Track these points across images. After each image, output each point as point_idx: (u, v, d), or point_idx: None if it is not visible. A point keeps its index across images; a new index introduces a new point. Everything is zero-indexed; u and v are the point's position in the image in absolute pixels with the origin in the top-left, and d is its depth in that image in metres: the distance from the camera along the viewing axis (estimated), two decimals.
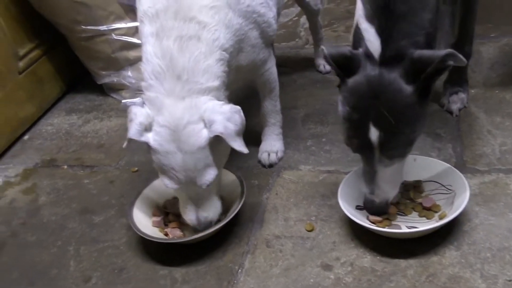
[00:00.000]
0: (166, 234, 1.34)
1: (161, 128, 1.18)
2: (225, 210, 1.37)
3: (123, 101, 1.22)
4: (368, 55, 1.09)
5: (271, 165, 1.58)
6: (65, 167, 1.77)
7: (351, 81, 1.11)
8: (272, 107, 1.59)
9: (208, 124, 1.17)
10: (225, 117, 1.17)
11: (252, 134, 1.70)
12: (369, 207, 1.23)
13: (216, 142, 1.19)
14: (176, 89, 1.18)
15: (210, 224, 1.28)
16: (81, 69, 2.20)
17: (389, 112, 1.07)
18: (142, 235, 1.30)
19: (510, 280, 1.08)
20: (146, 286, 1.26)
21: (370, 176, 1.18)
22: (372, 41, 1.08)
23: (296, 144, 1.66)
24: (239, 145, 1.19)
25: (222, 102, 1.21)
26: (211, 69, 1.21)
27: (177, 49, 1.20)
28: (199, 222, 1.27)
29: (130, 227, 1.35)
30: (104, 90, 2.17)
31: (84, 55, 2.11)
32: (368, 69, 1.09)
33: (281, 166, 1.58)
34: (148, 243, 1.36)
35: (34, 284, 1.32)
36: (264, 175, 1.55)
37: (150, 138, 1.19)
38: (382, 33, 1.07)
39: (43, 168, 1.79)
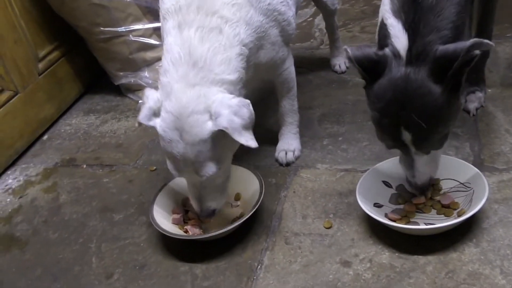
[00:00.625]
0: (186, 232, 1.36)
1: (166, 114, 1.19)
2: (244, 208, 1.39)
3: (140, 101, 1.24)
4: (395, 53, 1.07)
5: (288, 164, 1.59)
6: (84, 166, 1.80)
7: (377, 85, 1.09)
8: (290, 106, 1.60)
9: (214, 117, 1.16)
10: (232, 111, 1.16)
11: (269, 134, 1.73)
12: (412, 187, 1.22)
13: (222, 135, 1.18)
14: (190, 75, 1.18)
15: (213, 213, 1.29)
16: (99, 70, 2.23)
17: (420, 117, 1.05)
18: (162, 231, 1.32)
19: None
20: (168, 283, 1.28)
21: (408, 163, 1.18)
22: (399, 37, 1.06)
23: (313, 143, 1.67)
24: (246, 140, 1.17)
25: (232, 95, 1.20)
26: (229, 61, 1.21)
27: (198, 39, 1.21)
28: (201, 210, 1.28)
29: (150, 224, 1.37)
30: (121, 91, 2.20)
31: (102, 56, 2.14)
32: (394, 71, 1.06)
33: (298, 164, 1.59)
34: (169, 240, 1.38)
35: (58, 280, 1.35)
36: (282, 173, 1.57)
37: (157, 123, 1.20)
38: (409, 28, 1.05)
39: (63, 167, 1.82)
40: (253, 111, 1.21)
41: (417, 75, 1.05)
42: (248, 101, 1.21)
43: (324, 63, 2.13)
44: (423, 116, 1.05)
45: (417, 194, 1.26)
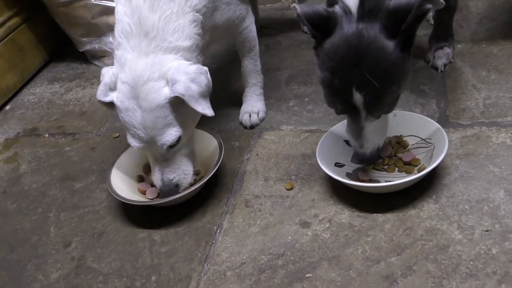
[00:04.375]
0: (143, 193, 1.33)
1: (122, 85, 1.16)
2: (204, 172, 1.36)
3: (103, 68, 1.20)
4: (345, 10, 1.03)
5: (252, 126, 1.56)
6: (47, 135, 1.76)
7: (328, 43, 1.05)
8: (252, 66, 1.56)
9: (170, 83, 1.13)
10: (189, 78, 1.13)
11: (234, 97, 1.69)
12: (360, 159, 1.18)
13: (180, 102, 1.15)
14: (142, 45, 1.15)
15: (176, 187, 1.25)
16: (63, 38, 2.17)
17: (372, 75, 1.01)
18: (119, 198, 1.29)
19: (487, 231, 1.06)
20: (125, 249, 1.25)
21: (357, 132, 1.14)
22: None
23: (279, 105, 1.64)
24: (203, 107, 1.15)
25: (189, 62, 1.17)
26: (182, 29, 1.17)
27: (147, 8, 1.16)
28: (163, 183, 1.24)
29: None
30: (87, 58, 2.14)
31: (64, 22, 2.06)
32: (346, 27, 1.02)
33: (262, 127, 1.56)
34: (128, 207, 1.35)
35: (14, 251, 1.32)
36: (246, 136, 1.53)
37: (114, 96, 1.17)
38: None
39: (24, 137, 1.77)
40: (210, 79, 1.18)
41: (370, 31, 1.01)
42: (206, 68, 1.18)
43: (294, 24, 2.09)
44: (376, 73, 1.01)
45: (364, 166, 1.22)
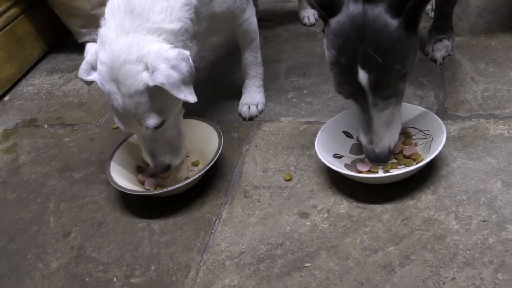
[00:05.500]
0: (142, 183, 1.33)
1: (101, 66, 1.13)
2: (203, 163, 1.37)
3: (88, 43, 1.20)
4: None
5: (251, 118, 1.56)
6: (46, 126, 1.76)
7: (334, 22, 1.07)
8: (252, 58, 1.56)
9: (150, 70, 1.10)
10: (170, 65, 1.09)
11: (233, 88, 1.69)
12: (371, 157, 1.18)
13: (161, 88, 1.12)
14: (125, 23, 1.12)
15: (167, 168, 1.26)
16: (62, 29, 2.16)
17: (375, 51, 1.02)
18: (119, 188, 1.29)
19: (484, 221, 1.07)
20: (124, 239, 1.26)
21: (366, 124, 1.13)
22: None
23: (278, 96, 1.64)
24: (185, 95, 1.11)
25: (170, 46, 1.13)
26: (171, 10, 1.15)
27: None
28: (155, 165, 1.24)
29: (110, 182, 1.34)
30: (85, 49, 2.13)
31: (63, 13, 2.06)
32: (351, 7, 1.04)
33: (261, 118, 1.56)
34: (127, 197, 1.36)
35: (14, 241, 1.32)
36: (245, 128, 1.54)
37: (96, 76, 1.16)
38: None
39: (23, 128, 1.77)
40: (192, 65, 1.14)
41: (375, 10, 1.03)
42: (187, 53, 1.14)
43: (293, 16, 2.09)
44: (379, 50, 1.02)
45: (374, 164, 1.21)
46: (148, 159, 1.26)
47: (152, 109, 1.14)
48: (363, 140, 1.17)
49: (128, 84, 1.11)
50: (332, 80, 1.13)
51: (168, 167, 1.26)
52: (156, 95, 1.13)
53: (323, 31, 1.12)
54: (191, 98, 1.12)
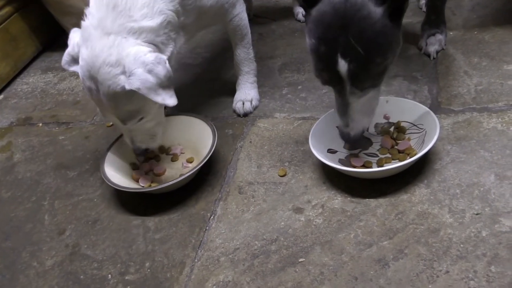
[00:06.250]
0: (137, 180, 1.34)
1: (83, 62, 1.15)
2: (198, 160, 1.37)
3: (72, 29, 1.21)
4: None
5: (246, 114, 1.56)
6: (40, 124, 1.75)
7: (315, 10, 1.05)
8: (245, 55, 1.55)
9: (127, 74, 1.12)
10: (147, 69, 1.10)
11: (227, 85, 1.69)
12: (345, 139, 1.19)
13: None
14: (107, 21, 1.13)
15: (145, 152, 1.30)
16: (56, 27, 2.16)
17: (357, 42, 1.00)
18: (113, 185, 1.29)
19: (477, 214, 1.07)
20: (119, 236, 1.26)
21: (343, 108, 1.12)
22: None
23: (272, 93, 1.64)
24: (163, 98, 1.13)
25: (148, 49, 1.14)
26: (153, 4, 1.15)
27: None
28: (136, 149, 1.28)
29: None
30: None
31: (57, 11, 2.05)
32: None
33: (256, 114, 1.56)
34: (122, 194, 1.36)
35: (9, 239, 1.32)
36: (239, 124, 1.53)
37: (78, 69, 1.18)
38: None
39: (18, 127, 1.77)
40: (170, 69, 1.15)
41: None
42: (164, 57, 1.15)
43: (287, 13, 2.09)
44: (362, 40, 1.00)
45: (346, 147, 1.22)
46: (128, 142, 1.30)
47: (130, 109, 1.17)
48: (339, 122, 1.17)
49: (106, 85, 1.13)
50: (312, 66, 1.12)
51: (145, 150, 1.30)
52: (134, 97, 1.15)
53: (305, 20, 1.11)
54: (170, 101, 1.14)
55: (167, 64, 1.14)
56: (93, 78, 1.14)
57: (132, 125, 1.21)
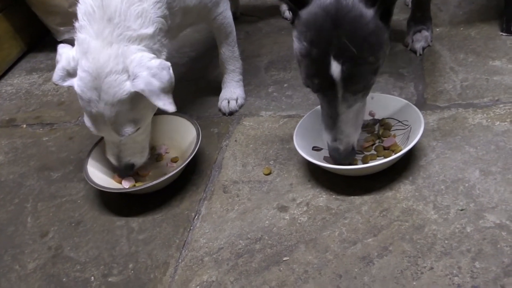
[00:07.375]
0: (120, 182, 1.32)
1: (84, 73, 1.14)
2: (183, 160, 1.35)
3: (59, 46, 1.20)
4: None
5: (231, 113, 1.55)
6: (24, 126, 1.73)
7: (305, 13, 1.04)
8: (230, 53, 1.54)
9: (131, 77, 1.12)
10: (151, 73, 1.12)
11: (213, 83, 1.67)
12: (335, 156, 1.14)
13: (142, 95, 1.14)
14: (105, 32, 1.13)
15: (131, 168, 1.28)
16: (41, 28, 2.14)
17: (351, 41, 0.99)
18: (96, 186, 1.27)
19: (462, 210, 1.06)
20: (103, 238, 1.24)
21: (332, 120, 1.10)
22: None
23: (258, 91, 1.63)
24: (164, 103, 1.13)
25: (152, 56, 1.15)
26: (146, 13, 1.16)
27: None
28: (119, 163, 1.26)
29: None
30: None
31: (41, 11, 2.03)
32: None
33: (241, 113, 1.55)
34: (106, 195, 1.34)
35: None
36: (225, 123, 1.52)
37: (75, 82, 1.16)
38: None
39: (1, 129, 1.75)
40: (173, 75, 1.16)
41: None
42: (168, 63, 1.16)
43: (275, 11, 2.08)
44: (355, 40, 0.99)
45: (337, 164, 1.16)
46: (111, 159, 1.27)
47: (130, 118, 1.17)
48: (326, 137, 1.14)
49: (111, 93, 1.13)
50: (300, 73, 1.11)
51: (132, 167, 1.27)
52: (136, 105, 1.16)
53: (292, 23, 1.10)
54: (170, 107, 1.15)
55: (171, 71, 1.16)
56: (96, 88, 1.13)
57: (127, 137, 1.20)
